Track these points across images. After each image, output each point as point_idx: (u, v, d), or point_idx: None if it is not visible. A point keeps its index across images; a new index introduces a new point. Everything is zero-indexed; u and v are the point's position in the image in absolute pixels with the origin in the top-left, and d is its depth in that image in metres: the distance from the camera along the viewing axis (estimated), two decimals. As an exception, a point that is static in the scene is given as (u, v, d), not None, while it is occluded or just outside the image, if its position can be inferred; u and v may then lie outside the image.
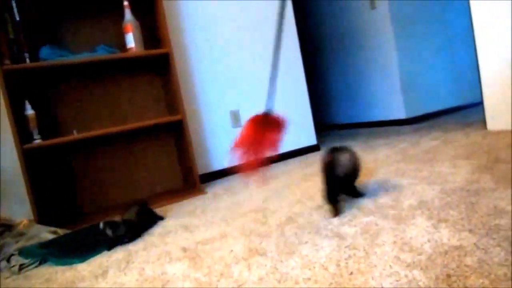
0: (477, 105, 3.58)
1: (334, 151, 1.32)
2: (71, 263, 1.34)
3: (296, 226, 1.26)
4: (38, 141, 1.81)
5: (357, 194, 1.43)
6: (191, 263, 1.13)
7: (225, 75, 2.60)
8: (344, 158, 1.30)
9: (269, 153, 1.15)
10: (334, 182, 1.27)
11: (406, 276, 0.79)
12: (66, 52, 1.94)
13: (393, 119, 3.58)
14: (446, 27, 3.79)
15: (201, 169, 2.48)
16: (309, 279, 0.87)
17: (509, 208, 1.04)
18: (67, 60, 1.86)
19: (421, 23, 3.59)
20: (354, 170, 1.34)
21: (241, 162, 1.13)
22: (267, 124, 1.15)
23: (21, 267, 1.37)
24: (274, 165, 2.65)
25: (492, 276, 0.73)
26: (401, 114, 3.46)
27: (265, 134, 1.14)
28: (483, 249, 0.84)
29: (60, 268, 1.32)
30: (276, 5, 2.77)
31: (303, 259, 0.99)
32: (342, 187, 1.36)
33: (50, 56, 1.86)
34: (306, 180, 1.95)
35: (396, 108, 3.53)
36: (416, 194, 1.34)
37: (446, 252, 0.86)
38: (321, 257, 0.97)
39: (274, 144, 1.16)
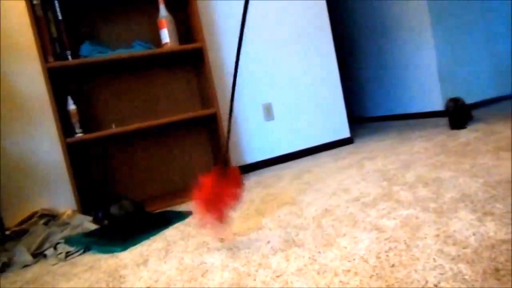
0: (521, 95, 3.40)
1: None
2: (113, 251, 1.39)
3: (332, 219, 1.25)
4: (79, 135, 1.89)
5: None
6: (229, 253, 1.14)
7: (257, 69, 2.60)
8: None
9: (230, 205, 1.15)
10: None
11: (451, 269, 0.77)
12: (105, 49, 2.00)
13: (429, 111, 3.47)
14: (486, 15, 3.61)
15: (234, 162, 2.51)
16: (348, 271, 0.87)
17: (561, 201, 0.99)
18: (106, 56, 1.92)
19: (460, 12, 3.44)
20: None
21: (203, 212, 1.15)
22: (224, 178, 1.14)
23: (67, 255, 1.43)
24: (307, 158, 2.64)
25: (545, 271, 0.70)
26: (438, 106, 3.34)
27: (224, 188, 1.14)
28: (533, 243, 0.80)
29: (103, 256, 1.38)
30: (307, 4, 2.74)
31: (342, 251, 0.98)
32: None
33: (90, 53, 1.92)
34: (340, 173, 1.93)
35: (433, 99, 3.42)
36: (457, 187, 1.30)
37: (493, 246, 0.83)
38: (360, 249, 0.96)
39: (234, 196, 1.16)
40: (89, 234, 1.61)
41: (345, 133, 2.89)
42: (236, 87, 2.53)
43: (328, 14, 2.83)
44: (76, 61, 1.85)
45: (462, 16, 3.46)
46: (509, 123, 2.25)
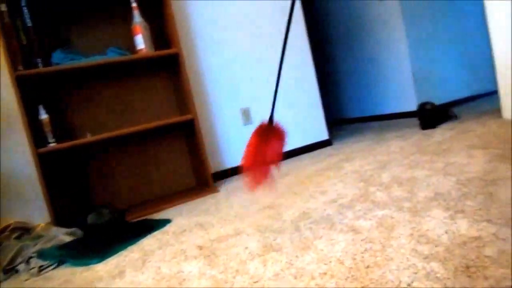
0: (491, 94, 3.51)
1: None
2: (88, 264, 1.36)
3: (310, 221, 1.26)
4: (52, 144, 1.84)
5: None
6: (206, 260, 1.13)
7: (235, 73, 2.60)
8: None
9: (273, 162, 1.20)
10: None
11: (424, 268, 0.78)
12: (78, 56, 1.96)
13: (405, 111, 3.54)
14: (458, 16, 3.72)
15: (214, 167, 2.49)
16: (325, 273, 0.87)
17: (528, 197, 1.01)
18: (78, 63, 1.88)
19: (432, 14, 3.53)
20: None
21: (249, 175, 1.19)
22: (269, 135, 1.20)
23: (40, 269, 1.39)
24: (286, 161, 2.65)
25: (513, 266, 0.71)
26: (413, 106, 3.41)
27: (268, 145, 1.19)
28: (502, 239, 0.82)
29: (78, 269, 1.34)
30: (286, 1, 2.75)
31: (319, 253, 0.98)
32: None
33: (62, 60, 1.88)
34: (319, 175, 1.94)
35: (408, 100, 3.49)
36: (431, 185, 1.32)
37: (464, 243, 0.84)
38: (337, 251, 0.97)
39: (277, 153, 1.21)
40: (64, 246, 1.56)
41: (324, 135, 2.91)
42: (214, 91, 2.52)
43: (303, 17, 2.86)
44: (47, 69, 1.81)
45: (434, 17, 3.55)
46: (481, 122, 2.31)
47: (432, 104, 2.63)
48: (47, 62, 1.89)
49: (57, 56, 1.89)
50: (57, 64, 1.87)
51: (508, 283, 0.66)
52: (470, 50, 3.79)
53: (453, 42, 3.68)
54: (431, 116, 2.55)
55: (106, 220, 1.65)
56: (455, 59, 3.70)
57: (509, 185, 1.13)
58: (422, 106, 2.64)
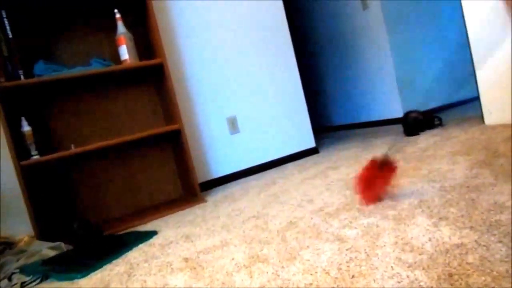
0: (474, 100, 3.57)
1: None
2: (72, 279, 1.33)
3: (297, 231, 1.26)
4: (35, 157, 1.81)
5: None
6: (192, 273, 1.12)
7: (220, 82, 2.60)
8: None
9: (381, 191, 1.37)
10: None
11: (408, 277, 0.79)
12: (60, 67, 1.94)
13: (390, 118, 3.58)
14: (440, 24, 3.79)
15: (201, 177, 2.48)
16: (310, 284, 0.87)
17: (509, 203, 1.03)
18: (61, 75, 1.86)
19: (414, 22, 3.60)
20: None
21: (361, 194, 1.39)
22: (382, 167, 1.35)
23: (23, 285, 1.36)
24: (273, 170, 2.65)
25: (494, 273, 0.72)
26: (399, 113, 3.46)
27: (379, 176, 1.35)
28: (484, 246, 0.83)
29: (62, 284, 1.31)
30: (269, 10, 2.77)
31: (305, 264, 0.98)
32: None
33: (44, 72, 1.86)
34: (305, 184, 1.95)
35: (393, 107, 3.54)
36: (416, 192, 1.34)
37: (447, 251, 0.85)
38: (322, 261, 0.97)
39: (385, 185, 1.37)
40: (48, 261, 1.53)
41: (310, 143, 2.93)
42: (200, 100, 2.52)
43: (289, 27, 2.89)
44: (29, 80, 1.79)
45: (417, 26, 3.62)
46: (464, 128, 2.35)
47: (417, 112, 2.72)
48: (29, 74, 1.86)
49: (39, 67, 1.87)
50: (39, 75, 1.85)
51: (490, 291, 0.67)
52: (452, 57, 3.87)
53: (436, 50, 3.75)
54: (415, 123, 2.63)
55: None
56: (438, 67, 3.76)
57: (491, 192, 1.15)
58: (407, 114, 2.74)
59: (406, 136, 2.66)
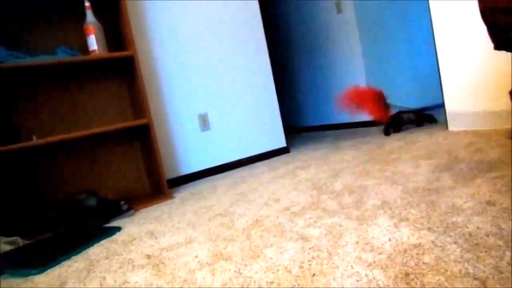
0: (439, 107, 3.70)
1: None
2: (28, 275, 1.28)
3: (262, 229, 1.26)
4: (-7, 147, 1.73)
5: None
6: (154, 270, 1.10)
7: (192, 78, 2.57)
8: None
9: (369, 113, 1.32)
10: None
11: (366, 276, 0.80)
12: (23, 54, 1.86)
13: (360, 121, 3.65)
14: (409, 30, 3.90)
15: (169, 173, 2.44)
16: (272, 282, 0.87)
17: (465, 205, 1.07)
18: (23, 62, 1.78)
19: (385, 27, 3.69)
20: None
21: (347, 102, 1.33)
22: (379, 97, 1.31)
23: (-26, 281, 1.29)
24: (242, 168, 2.65)
25: (448, 273, 0.74)
26: (367, 117, 3.53)
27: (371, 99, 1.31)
28: (440, 246, 0.86)
29: (16, 281, 1.26)
30: (244, 8, 2.77)
31: (267, 262, 0.98)
32: None
33: (5, 58, 1.77)
34: (274, 183, 1.95)
35: (363, 110, 3.61)
36: (379, 194, 1.37)
37: (405, 251, 0.87)
38: (285, 260, 0.97)
39: (369, 109, 1.33)
40: (3, 256, 1.46)
41: (281, 142, 2.94)
42: (171, 96, 2.48)
43: (264, 27, 2.89)
44: (-11, 67, 1.70)
45: (388, 31, 3.71)
46: (429, 133, 2.43)
47: (410, 111, 2.95)
48: (-9, 61, 1.78)
49: (0, 54, 1.78)
50: (0, 62, 1.76)
51: (442, 290, 0.69)
52: (420, 64, 3.99)
53: (404, 55, 3.86)
54: (393, 122, 2.83)
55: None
56: (406, 73, 3.87)
57: (449, 194, 1.19)
58: (400, 113, 2.93)
59: (385, 135, 2.79)
